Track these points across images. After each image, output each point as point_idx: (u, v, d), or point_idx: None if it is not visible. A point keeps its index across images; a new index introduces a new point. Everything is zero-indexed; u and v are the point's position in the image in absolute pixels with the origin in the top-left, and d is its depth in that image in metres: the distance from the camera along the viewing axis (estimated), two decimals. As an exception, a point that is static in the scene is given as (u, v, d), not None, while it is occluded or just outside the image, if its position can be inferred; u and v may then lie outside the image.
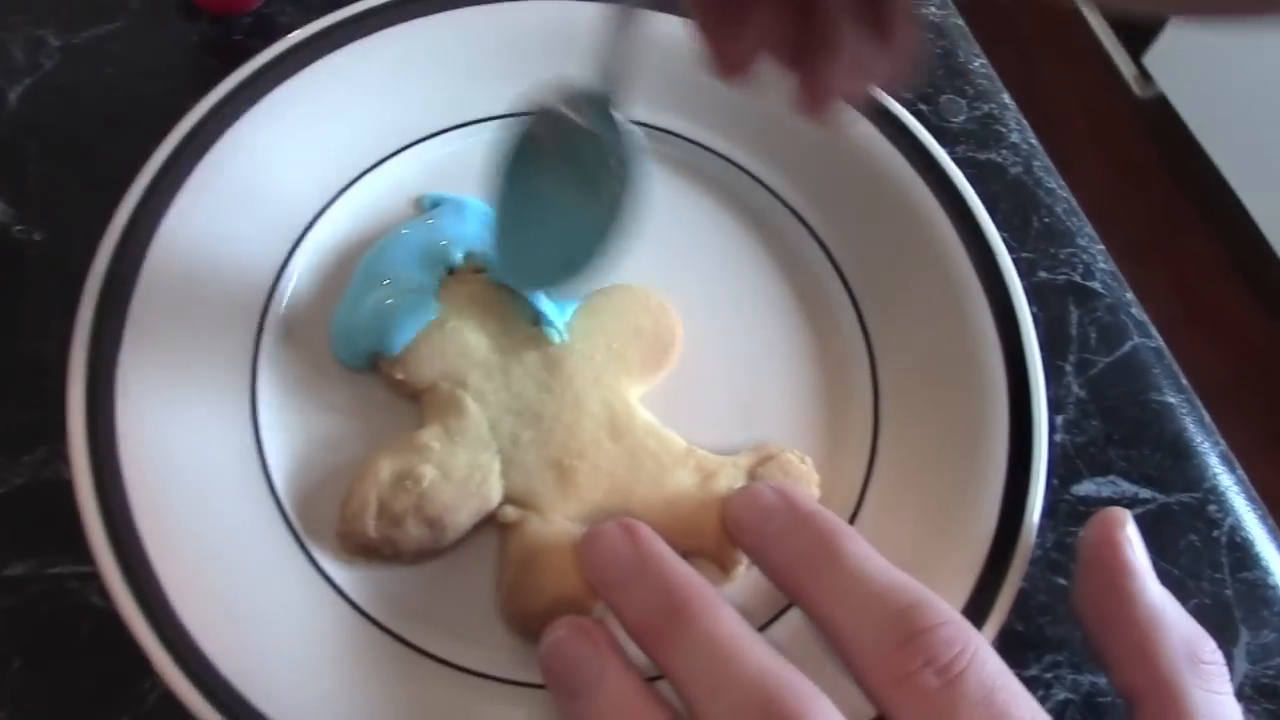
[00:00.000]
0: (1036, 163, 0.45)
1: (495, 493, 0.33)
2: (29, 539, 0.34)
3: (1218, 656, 0.29)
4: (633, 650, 0.28)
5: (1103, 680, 0.35)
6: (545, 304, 0.35)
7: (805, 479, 0.35)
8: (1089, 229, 0.44)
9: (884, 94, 0.40)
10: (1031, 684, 0.35)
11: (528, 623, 0.32)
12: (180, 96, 0.37)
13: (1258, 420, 1.36)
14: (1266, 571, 0.38)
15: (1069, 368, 0.41)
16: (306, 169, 0.38)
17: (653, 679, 0.29)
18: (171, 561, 0.31)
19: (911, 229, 0.38)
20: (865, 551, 0.29)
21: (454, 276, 0.36)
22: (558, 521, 0.33)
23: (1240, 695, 0.36)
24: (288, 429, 0.34)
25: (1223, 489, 0.40)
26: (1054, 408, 0.40)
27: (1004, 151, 0.45)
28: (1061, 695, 0.35)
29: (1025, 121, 0.47)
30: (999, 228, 0.38)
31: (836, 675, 0.28)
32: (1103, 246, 0.44)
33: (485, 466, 0.33)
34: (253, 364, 0.35)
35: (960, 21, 0.49)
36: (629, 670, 0.28)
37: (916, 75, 0.47)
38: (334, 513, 0.33)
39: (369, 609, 0.32)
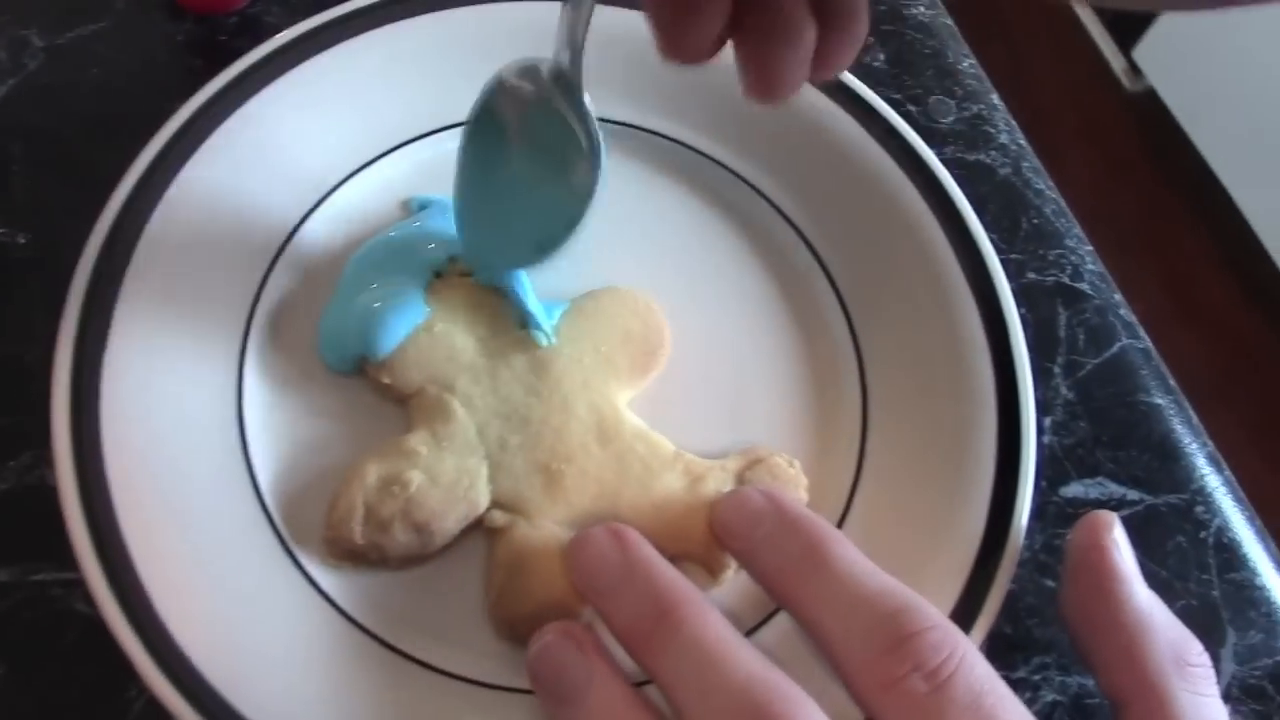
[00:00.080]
0: (1025, 164, 0.45)
1: (483, 497, 0.33)
2: (13, 545, 0.34)
3: (1204, 659, 0.30)
4: (621, 655, 0.28)
5: (1091, 682, 0.35)
6: (533, 306, 0.35)
7: (794, 482, 0.35)
8: (1078, 230, 0.44)
9: (872, 95, 0.40)
10: (1020, 686, 0.35)
11: (516, 628, 0.32)
12: (165, 97, 0.37)
13: (1246, 415, 1.37)
14: (1254, 572, 0.38)
15: (1057, 369, 0.41)
16: (293, 170, 0.37)
17: (640, 684, 0.29)
18: (157, 567, 0.30)
19: (900, 231, 0.38)
20: (853, 556, 0.29)
21: (441, 280, 0.36)
22: (545, 526, 0.33)
23: (1227, 696, 0.36)
24: (274, 433, 0.34)
25: (1210, 490, 0.40)
26: (1042, 409, 0.40)
27: (993, 152, 0.45)
28: (1050, 697, 0.35)
29: (1014, 122, 0.47)
30: (988, 229, 0.38)
31: (825, 679, 0.28)
32: (1091, 247, 0.44)
33: (473, 471, 0.33)
34: (239, 368, 0.35)
35: (949, 21, 0.49)
36: (617, 675, 0.28)
37: (901, 74, 0.47)
38: (320, 518, 0.33)
39: (356, 615, 0.32)
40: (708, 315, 0.38)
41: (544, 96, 0.32)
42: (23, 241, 0.39)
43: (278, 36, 0.38)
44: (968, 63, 0.48)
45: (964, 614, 0.32)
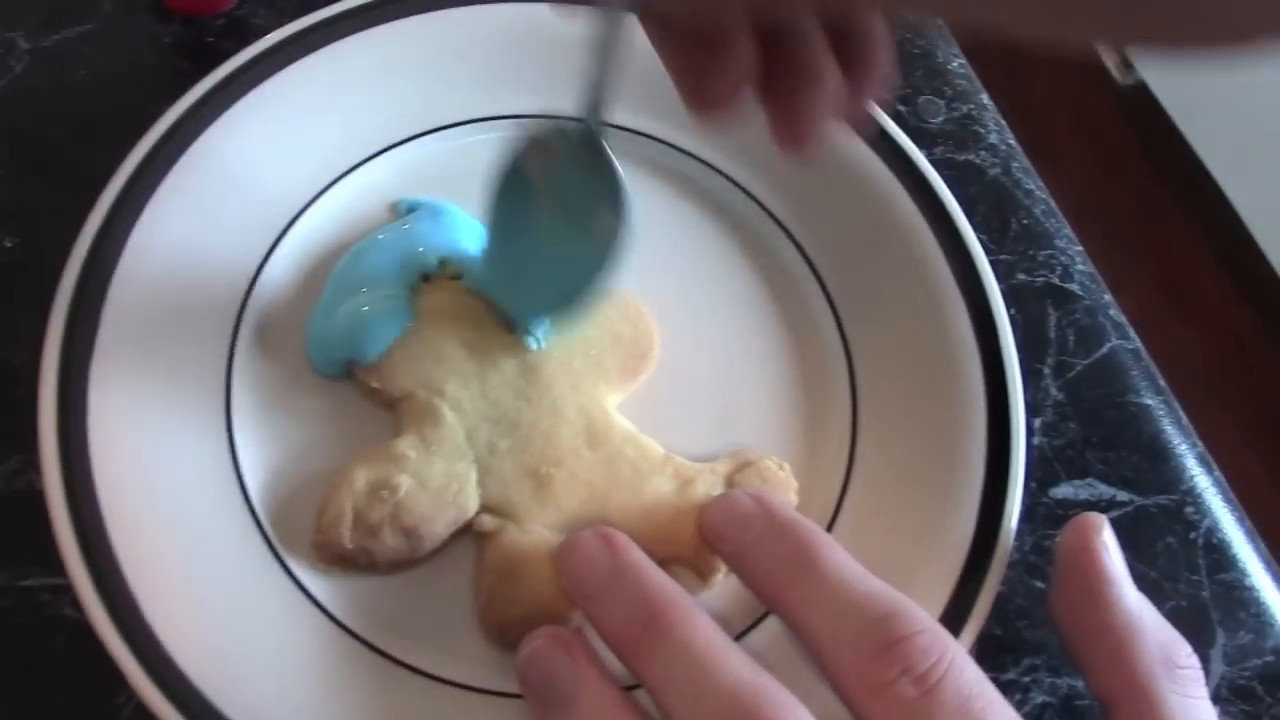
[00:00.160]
0: (1015, 164, 0.45)
1: (472, 502, 0.33)
2: (0, 550, 0.34)
3: (1193, 661, 0.30)
4: (611, 660, 0.28)
5: (1080, 683, 0.35)
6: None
7: (783, 485, 0.35)
8: (1068, 230, 0.44)
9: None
10: (1010, 687, 0.35)
11: (505, 633, 0.32)
12: (153, 99, 0.37)
13: (1239, 411, 1.37)
14: (1243, 573, 0.38)
15: (1047, 370, 0.41)
16: (281, 174, 0.37)
17: (630, 688, 0.29)
18: (145, 574, 0.30)
19: (889, 232, 0.38)
20: (843, 560, 0.29)
21: (430, 283, 0.36)
22: (535, 530, 0.33)
23: (1217, 697, 0.36)
24: (262, 438, 0.34)
25: (1200, 490, 0.40)
26: (1032, 410, 0.40)
27: (982, 153, 0.45)
28: (1039, 698, 0.35)
29: (1004, 122, 0.47)
30: (977, 229, 0.38)
31: (814, 683, 0.28)
32: (1081, 248, 0.44)
33: (462, 475, 0.33)
34: (227, 372, 0.35)
35: (939, 20, 0.49)
36: (606, 680, 0.28)
37: (896, 79, 0.46)
38: (309, 523, 0.32)
39: (345, 620, 0.32)
40: (697, 318, 0.38)
41: (570, 153, 0.32)
42: (9, 245, 0.38)
43: (265, 38, 0.38)
44: (957, 62, 0.48)
45: (954, 616, 0.32)
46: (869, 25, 0.27)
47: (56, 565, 0.30)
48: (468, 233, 0.37)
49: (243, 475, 0.33)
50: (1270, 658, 0.37)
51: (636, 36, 0.27)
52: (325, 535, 0.32)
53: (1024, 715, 0.35)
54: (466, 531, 0.33)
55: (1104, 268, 0.44)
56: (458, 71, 0.39)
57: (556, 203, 0.33)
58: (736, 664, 0.27)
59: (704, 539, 0.32)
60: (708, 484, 0.34)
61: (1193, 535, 0.39)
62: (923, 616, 0.27)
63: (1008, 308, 0.37)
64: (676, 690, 0.27)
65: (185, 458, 0.33)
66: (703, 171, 0.40)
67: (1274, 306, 1.44)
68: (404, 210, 0.38)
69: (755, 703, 0.26)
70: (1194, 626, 0.37)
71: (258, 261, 0.36)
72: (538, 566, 0.32)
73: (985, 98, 0.47)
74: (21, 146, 0.40)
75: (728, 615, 0.33)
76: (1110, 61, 1.63)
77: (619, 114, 0.40)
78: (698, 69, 0.26)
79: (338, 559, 0.32)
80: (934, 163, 0.39)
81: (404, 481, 0.32)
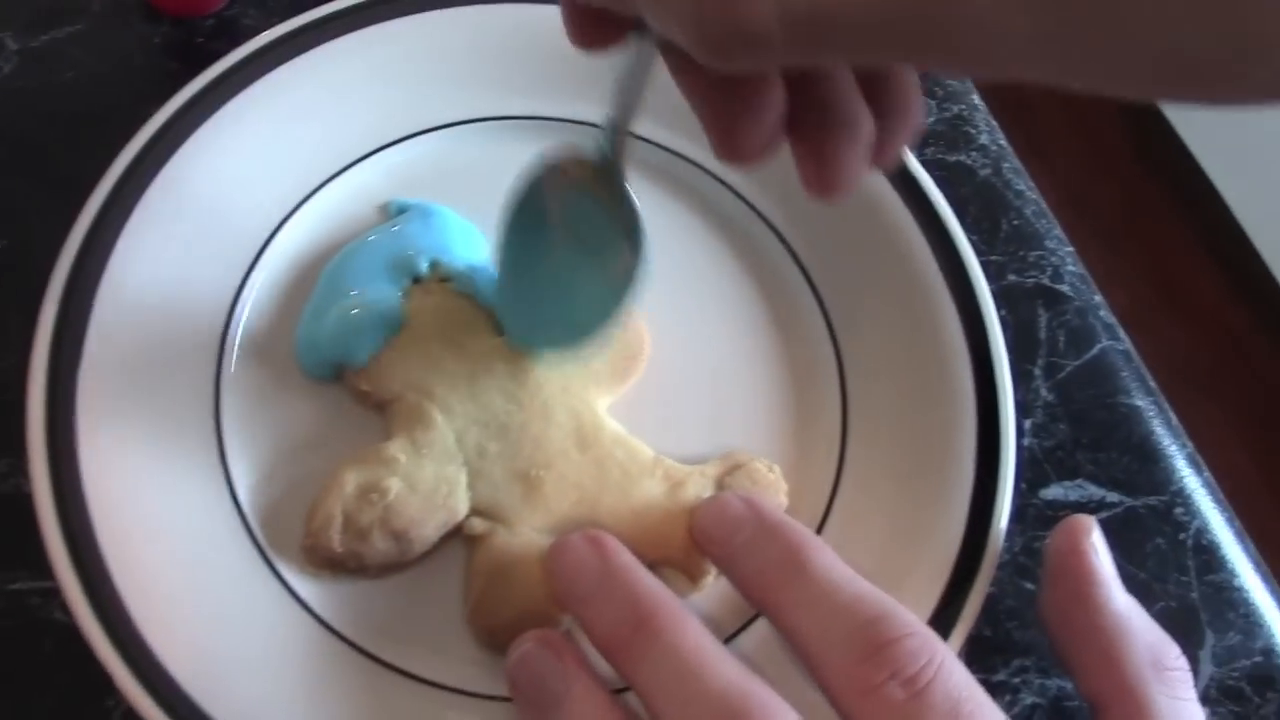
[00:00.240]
0: (1006, 164, 0.45)
1: (462, 505, 0.33)
2: (-10, 554, 0.34)
3: (1182, 663, 0.30)
4: (600, 663, 0.28)
5: (1070, 684, 0.36)
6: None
7: (773, 487, 0.35)
8: (1058, 231, 0.44)
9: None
10: (999, 689, 0.35)
11: (495, 636, 0.32)
12: (142, 100, 0.37)
13: (1232, 407, 1.37)
14: (1232, 574, 0.39)
15: (1037, 371, 0.41)
16: (271, 176, 0.37)
17: (619, 691, 0.29)
18: (134, 577, 0.30)
19: (880, 233, 0.38)
20: (832, 562, 0.29)
21: (420, 286, 0.36)
22: (525, 533, 0.32)
23: (1206, 698, 0.36)
24: (252, 440, 0.34)
25: (1189, 491, 0.40)
26: (1022, 411, 0.40)
27: (973, 153, 0.45)
28: (1029, 700, 0.36)
29: (995, 122, 0.47)
30: (968, 230, 0.38)
31: (803, 686, 0.28)
32: (1071, 248, 0.44)
33: (452, 478, 0.33)
34: (216, 374, 0.35)
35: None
36: (595, 684, 0.28)
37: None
38: (299, 526, 0.32)
39: (334, 623, 0.32)
40: (687, 320, 0.38)
41: (586, 184, 0.31)
42: (-2, 247, 0.38)
43: (255, 39, 0.38)
44: (948, 63, 0.48)
45: (944, 617, 0.32)
46: (902, 71, 0.27)
47: (45, 569, 0.30)
48: (458, 235, 0.37)
49: (232, 478, 0.33)
50: (1259, 658, 0.37)
51: (660, 74, 0.26)
52: (314, 538, 0.32)
53: (1013, 716, 0.35)
54: (456, 534, 0.33)
55: (1097, 265, 0.44)
56: (449, 72, 0.39)
57: (572, 236, 0.32)
58: (726, 668, 0.27)
59: (694, 541, 0.32)
60: (698, 486, 0.34)
61: (1182, 536, 0.39)
62: (911, 619, 0.27)
63: (998, 309, 0.37)
64: (665, 693, 0.27)
65: (174, 460, 0.33)
66: (691, 172, 0.40)
67: (1267, 303, 1.44)
68: (394, 212, 0.38)
69: (744, 706, 0.26)
70: (1183, 627, 0.37)
71: (248, 263, 0.36)
72: (527, 569, 0.32)
73: (976, 98, 0.47)
74: (10, 147, 0.40)
75: (717, 617, 0.33)
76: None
77: (599, 112, 0.39)
78: (729, 118, 0.25)
79: (327, 562, 0.32)
80: (925, 163, 0.39)
81: (394, 484, 0.32)
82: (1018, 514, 0.38)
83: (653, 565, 0.32)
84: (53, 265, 0.33)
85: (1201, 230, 1.52)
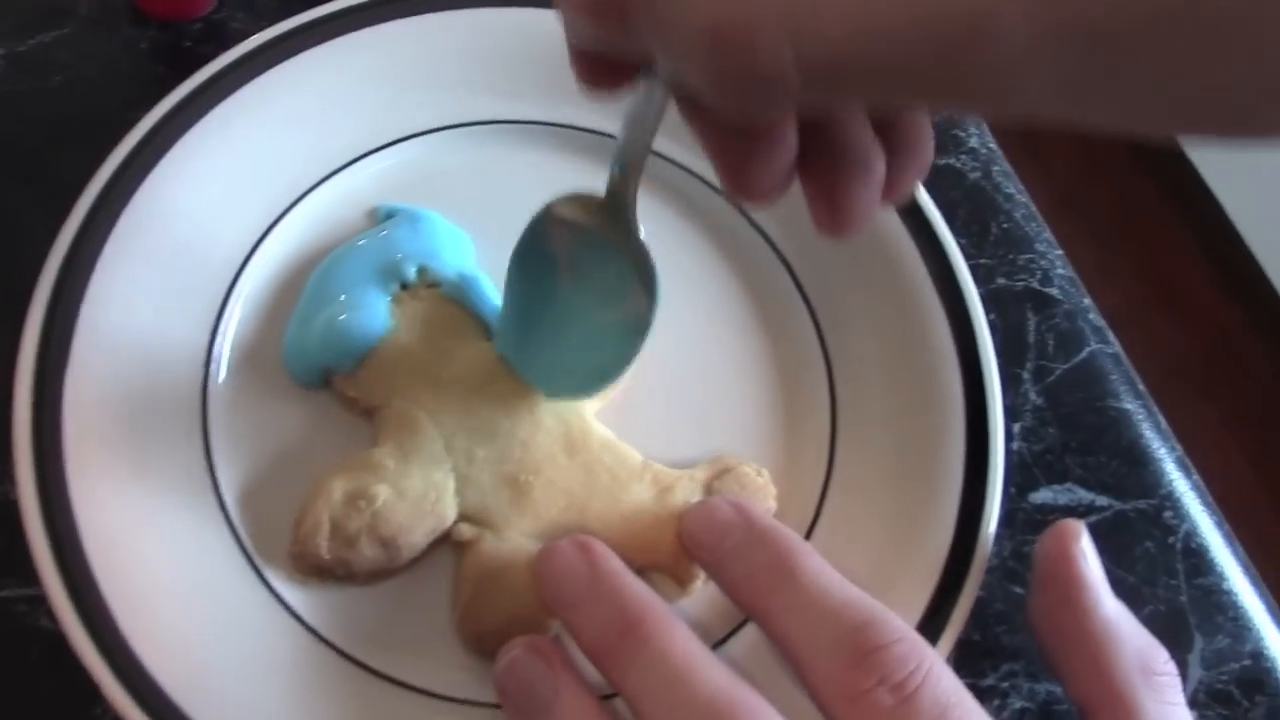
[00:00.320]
0: (996, 167, 0.45)
1: (450, 511, 0.32)
2: (-24, 561, 0.33)
3: (1170, 668, 0.30)
4: (589, 669, 0.28)
5: (1059, 689, 0.36)
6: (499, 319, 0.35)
7: (762, 491, 0.35)
8: (1048, 234, 0.44)
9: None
10: (988, 693, 0.35)
11: (483, 642, 0.31)
12: (129, 104, 0.37)
13: (1224, 404, 1.38)
14: (1221, 577, 0.39)
15: (1026, 375, 0.41)
16: (258, 180, 0.37)
17: (608, 697, 0.29)
18: (120, 584, 0.30)
19: (868, 237, 0.38)
20: (821, 568, 0.29)
21: (408, 291, 0.36)
22: (513, 539, 0.32)
23: (1195, 702, 0.36)
24: (239, 447, 0.34)
25: (1178, 495, 0.40)
26: (1011, 415, 0.40)
27: (963, 156, 0.45)
28: (1018, 704, 0.36)
29: (985, 126, 0.47)
30: (958, 234, 0.38)
31: (792, 692, 0.28)
32: (1061, 252, 0.44)
33: (440, 485, 0.32)
34: (204, 381, 0.34)
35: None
36: (584, 690, 0.28)
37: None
38: (286, 533, 0.32)
39: (323, 630, 0.32)
40: (675, 323, 0.38)
41: (595, 227, 0.31)
42: (-16, 252, 0.38)
43: (243, 44, 0.38)
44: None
45: (933, 621, 0.32)
46: (914, 112, 0.27)
47: (32, 576, 0.30)
48: (447, 240, 0.37)
49: (219, 484, 0.33)
50: (1248, 661, 0.37)
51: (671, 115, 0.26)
52: (302, 545, 0.32)
53: (1002, 721, 0.35)
54: (445, 541, 0.33)
55: (1090, 263, 0.44)
56: (438, 77, 0.39)
57: (583, 280, 0.32)
58: (714, 674, 0.27)
59: (683, 546, 0.32)
60: (686, 491, 0.34)
61: (1171, 540, 0.39)
62: (900, 625, 0.27)
63: (987, 312, 0.37)
64: (654, 699, 0.27)
65: (161, 467, 0.33)
66: (680, 175, 0.40)
67: (1260, 301, 1.45)
68: (382, 216, 0.38)
69: (732, 713, 0.26)
70: (1172, 631, 0.37)
71: (236, 267, 0.36)
72: (516, 575, 0.32)
73: (966, 101, 0.47)
74: (-3, 152, 0.40)
75: (706, 622, 0.33)
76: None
77: (594, 118, 0.40)
78: (741, 158, 0.25)
79: (315, 569, 0.32)
80: (914, 167, 0.39)
81: (382, 491, 0.32)
82: (1007, 518, 0.38)
83: (641, 570, 0.32)
84: (40, 269, 0.33)
85: (1194, 229, 1.52)
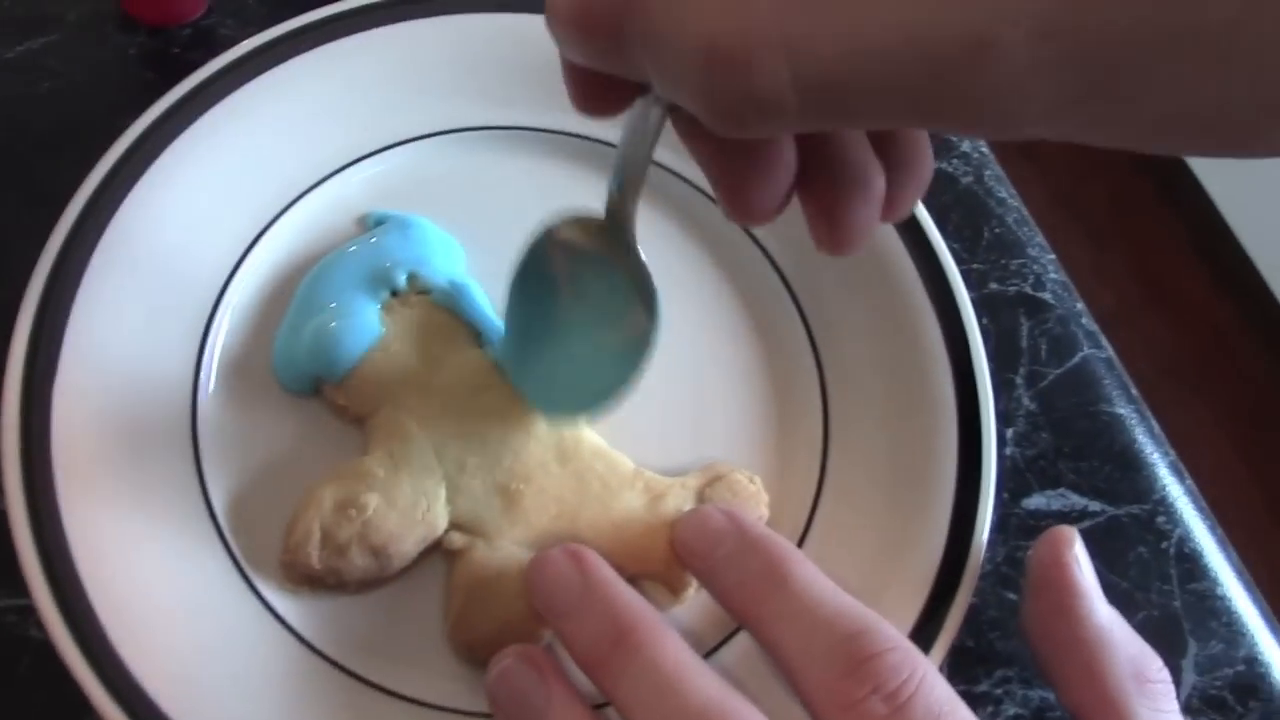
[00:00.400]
0: (988, 172, 0.45)
1: (441, 520, 0.32)
2: (-36, 571, 0.33)
3: (1164, 675, 0.30)
4: (581, 679, 0.28)
5: (1053, 695, 0.35)
6: (490, 326, 0.35)
7: (754, 498, 0.34)
8: (1040, 239, 0.44)
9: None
10: (982, 700, 0.35)
11: (475, 651, 0.31)
12: (118, 111, 0.37)
13: (1218, 401, 1.38)
14: (1215, 582, 0.39)
15: (1019, 380, 0.41)
16: (248, 188, 0.37)
17: (600, 706, 0.29)
18: (110, 594, 0.30)
19: (861, 243, 0.38)
20: (814, 576, 0.29)
21: (398, 298, 0.36)
22: (505, 548, 0.32)
23: (1189, 707, 0.36)
24: (229, 455, 0.34)
25: (1172, 500, 0.40)
26: (1004, 421, 0.40)
27: (955, 161, 0.45)
28: (1012, 711, 0.35)
29: (978, 132, 0.47)
30: (950, 239, 0.38)
31: (785, 701, 0.28)
32: (1053, 256, 0.44)
33: (431, 493, 0.32)
34: (193, 389, 0.34)
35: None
36: (575, 699, 0.28)
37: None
38: (277, 542, 0.32)
39: (314, 640, 0.32)
40: (667, 331, 0.37)
41: (595, 247, 0.31)
42: (-28, 259, 0.38)
43: (232, 50, 0.38)
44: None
45: (926, 628, 0.32)
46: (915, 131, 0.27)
47: (21, 586, 0.29)
48: (437, 246, 0.36)
49: (209, 493, 0.33)
50: (1241, 667, 0.37)
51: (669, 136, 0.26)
52: (293, 555, 0.31)
53: (996, 727, 0.35)
54: (436, 549, 0.33)
55: (1084, 262, 0.44)
56: (428, 83, 0.39)
57: (583, 300, 0.32)
58: (706, 683, 0.27)
59: (675, 554, 0.32)
60: (678, 499, 0.34)
61: (1164, 545, 0.39)
62: (893, 634, 0.27)
63: (980, 317, 0.37)
64: (645, 709, 0.27)
65: (151, 476, 0.33)
66: (671, 181, 0.40)
67: (1252, 298, 1.45)
68: (372, 223, 0.37)
69: (725, 723, 0.26)
70: (1165, 636, 0.37)
71: (225, 275, 0.36)
72: (507, 584, 0.31)
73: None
74: (-16, 159, 0.40)
75: (698, 631, 0.33)
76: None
77: (584, 124, 0.39)
78: (739, 179, 0.25)
79: (306, 578, 0.32)
80: (906, 172, 0.39)
81: (372, 500, 0.32)
82: (1000, 524, 0.38)
83: (633, 578, 0.32)
84: (28, 277, 0.33)
85: (1187, 226, 1.52)
